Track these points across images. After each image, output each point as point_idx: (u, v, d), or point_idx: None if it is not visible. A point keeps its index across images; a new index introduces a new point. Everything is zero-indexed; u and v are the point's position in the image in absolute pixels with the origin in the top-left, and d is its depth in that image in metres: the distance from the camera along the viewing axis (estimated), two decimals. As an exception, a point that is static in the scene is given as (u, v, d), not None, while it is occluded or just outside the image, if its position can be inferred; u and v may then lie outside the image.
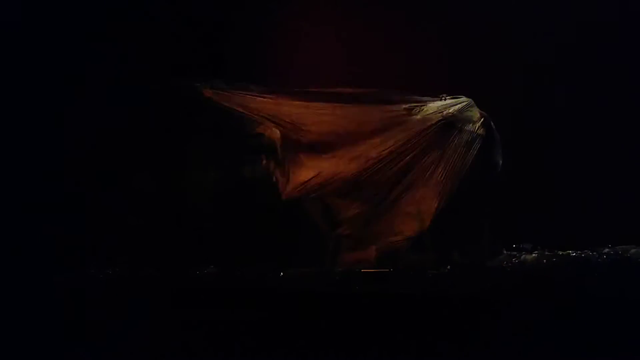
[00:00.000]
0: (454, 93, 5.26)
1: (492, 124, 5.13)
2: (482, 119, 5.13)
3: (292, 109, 5.07)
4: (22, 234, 4.93)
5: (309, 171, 5.02)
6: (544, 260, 5.03)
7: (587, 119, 5.85)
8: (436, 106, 5.17)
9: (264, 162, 5.10)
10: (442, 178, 4.99)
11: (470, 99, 5.23)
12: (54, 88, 5.16)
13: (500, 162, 5.12)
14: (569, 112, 5.89)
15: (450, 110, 5.15)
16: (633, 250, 5.06)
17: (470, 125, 5.10)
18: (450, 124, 5.06)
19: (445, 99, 5.22)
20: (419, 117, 5.13)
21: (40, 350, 3.91)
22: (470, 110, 5.20)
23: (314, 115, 5.07)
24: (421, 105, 5.17)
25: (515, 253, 5.24)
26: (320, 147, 5.07)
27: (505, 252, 5.22)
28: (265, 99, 5.08)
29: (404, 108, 5.14)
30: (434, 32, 5.85)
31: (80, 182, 5.14)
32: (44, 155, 5.12)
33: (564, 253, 5.16)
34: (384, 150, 5.00)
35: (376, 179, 5.01)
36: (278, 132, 5.09)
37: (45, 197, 5.06)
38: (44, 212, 5.03)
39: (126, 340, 3.97)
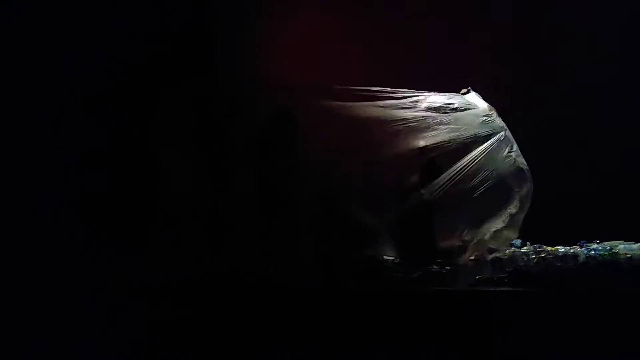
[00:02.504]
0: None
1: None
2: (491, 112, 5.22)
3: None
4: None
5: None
6: (533, 256, 4.99)
7: (577, 117, 5.90)
8: (442, 99, 5.23)
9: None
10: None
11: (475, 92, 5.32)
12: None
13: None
14: (559, 110, 5.95)
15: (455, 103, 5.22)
16: (621, 246, 5.07)
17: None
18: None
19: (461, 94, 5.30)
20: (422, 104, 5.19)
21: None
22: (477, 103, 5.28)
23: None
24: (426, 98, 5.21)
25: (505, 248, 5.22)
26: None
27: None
28: None
29: (409, 102, 5.17)
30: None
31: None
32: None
33: (553, 249, 5.17)
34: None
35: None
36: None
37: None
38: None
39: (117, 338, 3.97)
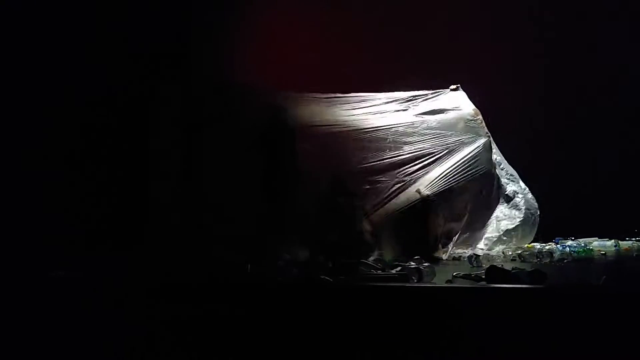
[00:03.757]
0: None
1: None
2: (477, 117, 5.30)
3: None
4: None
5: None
6: (510, 253, 5.10)
7: (552, 114, 5.98)
8: (427, 98, 5.30)
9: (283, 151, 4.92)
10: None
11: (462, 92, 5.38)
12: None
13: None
14: (536, 108, 6.03)
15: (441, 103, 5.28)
16: (595, 243, 5.18)
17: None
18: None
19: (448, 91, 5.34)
20: (411, 109, 5.24)
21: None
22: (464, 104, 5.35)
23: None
24: (413, 99, 5.26)
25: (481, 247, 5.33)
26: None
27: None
28: None
29: (397, 102, 5.23)
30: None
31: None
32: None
33: (529, 245, 5.25)
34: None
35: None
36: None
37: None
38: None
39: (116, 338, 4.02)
